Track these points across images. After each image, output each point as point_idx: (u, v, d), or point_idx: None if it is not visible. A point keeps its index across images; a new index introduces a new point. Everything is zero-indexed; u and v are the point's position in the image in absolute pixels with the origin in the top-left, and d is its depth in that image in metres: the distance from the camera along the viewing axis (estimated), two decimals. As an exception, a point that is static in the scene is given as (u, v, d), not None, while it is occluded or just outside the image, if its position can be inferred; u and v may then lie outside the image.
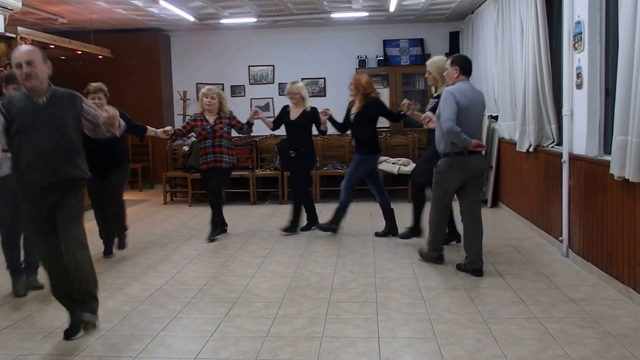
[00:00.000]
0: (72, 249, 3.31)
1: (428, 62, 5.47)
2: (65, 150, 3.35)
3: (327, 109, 6.03)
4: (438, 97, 5.27)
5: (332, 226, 6.09)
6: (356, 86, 5.85)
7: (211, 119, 5.99)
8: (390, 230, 6.00)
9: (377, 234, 6.03)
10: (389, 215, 6.03)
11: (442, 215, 4.83)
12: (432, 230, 4.89)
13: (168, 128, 5.70)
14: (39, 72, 3.26)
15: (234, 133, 6.27)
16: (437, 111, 4.66)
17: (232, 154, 6.10)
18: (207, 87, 6.18)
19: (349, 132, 6.23)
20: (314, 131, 6.26)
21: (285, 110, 6.25)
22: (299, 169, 6.23)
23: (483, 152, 4.71)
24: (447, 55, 9.83)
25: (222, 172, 6.05)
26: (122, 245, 5.52)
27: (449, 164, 4.59)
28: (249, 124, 6.15)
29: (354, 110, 5.93)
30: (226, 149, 5.99)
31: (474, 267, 4.60)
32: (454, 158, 4.54)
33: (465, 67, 4.69)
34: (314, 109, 6.12)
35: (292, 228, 6.23)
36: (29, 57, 3.25)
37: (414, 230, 5.75)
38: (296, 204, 6.25)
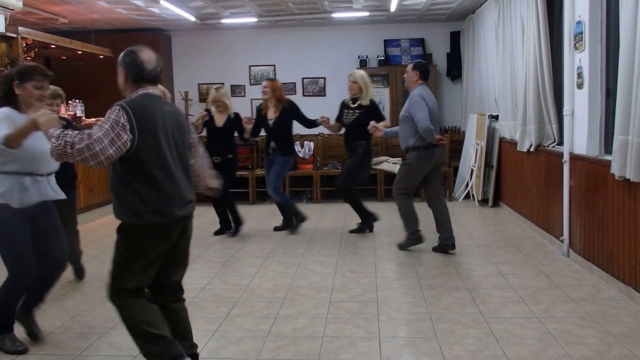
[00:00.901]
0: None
1: (355, 73, 5.93)
2: (113, 180, 2.67)
3: (250, 117, 6.27)
4: (359, 107, 5.85)
5: (298, 217, 6.29)
6: (272, 89, 6.12)
7: None
8: (288, 225, 6.34)
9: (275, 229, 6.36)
10: (284, 210, 6.40)
11: (407, 200, 5.26)
12: (403, 216, 5.28)
13: None
14: (118, 79, 2.75)
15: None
16: (401, 114, 5.27)
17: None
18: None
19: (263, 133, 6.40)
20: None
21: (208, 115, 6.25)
22: (226, 175, 6.02)
23: (443, 144, 5.34)
24: (447, 55, 9.95)
25: None
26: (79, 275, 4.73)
27: (419, 156, 5.16)
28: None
29: (271, 115, 6.16)
30: None
31: (446, 242, 5.14)
32: (423, 151, 5.14)
33: (424, 73, 5.23)
34: (237, 115, 6.18)
35: (227, 230, 6.37)
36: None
37: (366, 223, 6.06)
38: (230, 210, 6.29)
